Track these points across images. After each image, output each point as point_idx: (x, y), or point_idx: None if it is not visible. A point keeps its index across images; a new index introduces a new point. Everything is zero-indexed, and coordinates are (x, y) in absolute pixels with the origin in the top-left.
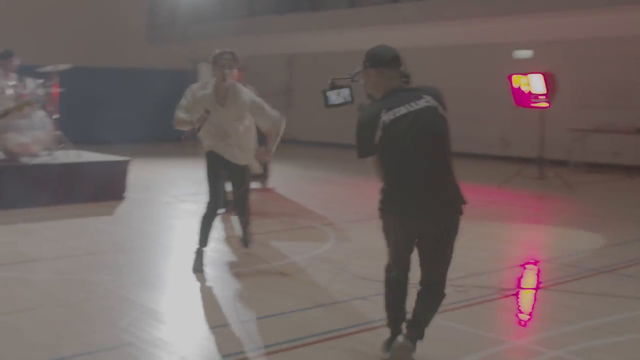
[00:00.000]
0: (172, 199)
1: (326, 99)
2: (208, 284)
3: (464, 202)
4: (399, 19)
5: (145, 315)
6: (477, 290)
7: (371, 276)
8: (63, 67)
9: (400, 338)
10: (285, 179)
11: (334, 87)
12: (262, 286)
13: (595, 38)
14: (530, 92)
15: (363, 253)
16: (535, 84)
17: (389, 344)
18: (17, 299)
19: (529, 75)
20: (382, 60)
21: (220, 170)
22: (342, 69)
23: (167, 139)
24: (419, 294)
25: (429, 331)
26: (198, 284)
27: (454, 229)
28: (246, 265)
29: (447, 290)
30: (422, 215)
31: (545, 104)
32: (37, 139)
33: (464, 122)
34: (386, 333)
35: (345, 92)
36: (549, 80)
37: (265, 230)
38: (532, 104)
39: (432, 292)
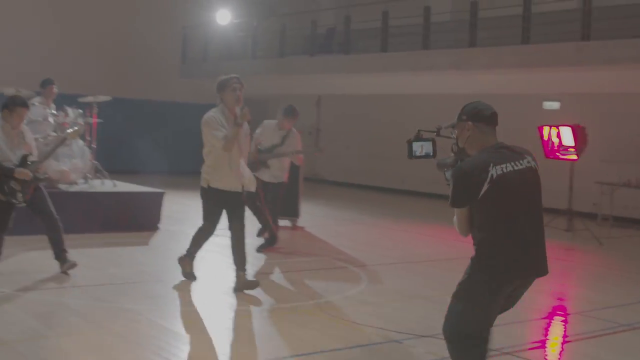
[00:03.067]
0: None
1: (411, 150)
2: (245, 318)
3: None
4: (429, 65)
5: (185, 345)
6: (508, 340)
7: (405, 320)
8: (103, 98)
9: None
10: (314, 218)
11: (418, 139)
12: (298, 323)
13: (622, 93)
14: (560, 144)
15: (396, 296)
16: (565, 136)
17: None
18: (63, 324)
19: (559, 127)
20: (482, 116)
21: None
22: (369, 113)
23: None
24: None
25: None
26: (235, 318)
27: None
28: (283, 301)
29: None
30: (528, 273)
31: (574, 156)
32: (76, 167)
33: None
34: None
35: (428, 145)
36: (578, 133)
37: (299, 269)
38: (562, 156)
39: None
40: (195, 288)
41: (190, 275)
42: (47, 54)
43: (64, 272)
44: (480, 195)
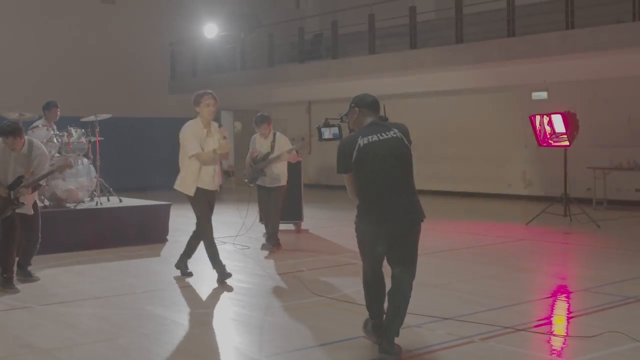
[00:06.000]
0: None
1: (320, 134)
2: (268, 314)
3: (423, 215)
4: (417, 64)
5: (215, 345)
6: (522, 318)
7: (421, 306)
8: (104, 116)
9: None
10: (316, 221)
11: (326, 125)
12: (319, 315)
13: (609, 78)
14: (552, 132)
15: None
16: (556, 123)
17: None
18: (94, 331)
19: (550, 115)
20: (364, 102)
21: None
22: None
23: None
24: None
25: (491, 357)
26: (259, 315)
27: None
28: (301, 298)
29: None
30: (389, 221)
31: (566, 143)
32: (82, 185)
33: (485, 163)
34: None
35: (335, 130)
36: (569, 119)
37: (309, 267)
38: (554, 143)
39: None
40: (215, 292)
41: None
42: (40, 78)
43: (21, 281)
44: (353, 160)
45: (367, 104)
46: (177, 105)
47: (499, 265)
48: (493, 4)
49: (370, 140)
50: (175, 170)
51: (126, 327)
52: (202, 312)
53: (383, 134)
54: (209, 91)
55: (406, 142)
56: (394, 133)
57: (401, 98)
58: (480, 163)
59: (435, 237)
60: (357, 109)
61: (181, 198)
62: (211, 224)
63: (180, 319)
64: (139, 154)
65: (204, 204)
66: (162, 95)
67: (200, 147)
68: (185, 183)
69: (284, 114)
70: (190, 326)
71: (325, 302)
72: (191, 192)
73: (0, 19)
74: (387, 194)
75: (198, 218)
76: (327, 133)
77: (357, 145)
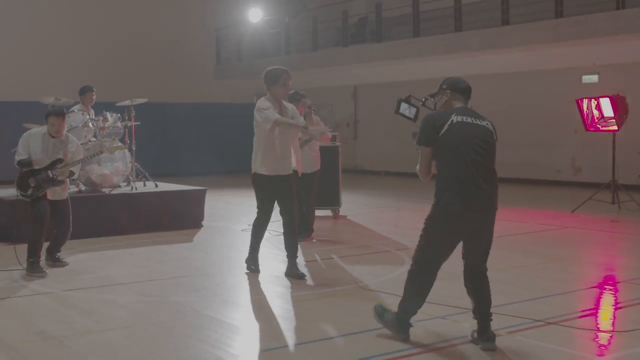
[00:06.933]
0: (247, 227)
1: (399, 106)
2: (287, 303)
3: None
4: (463, 47)
5: (232, 333)
6: (555, 310)
7: (449, 299)
8: (139, 101)
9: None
10: (355, 207)
11: (407, 101)
12: (341, 305)
13: None
14: (600, 116)
15: (440, 275)
16: (604, 107)
17: None
18: (110, 318)
19: (598, 99)
20: (458, 87)
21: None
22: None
23: (236, 171)
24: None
25: (516, 351)
26: (278, 303)
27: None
28: (327, 286)
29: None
30: (478, 209)
31: (615, 127)
32: (117, 170)
33: (534, 148)
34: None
35: (414, 110)
36: (618, 103)
37: (340, 255)
38: (602, 128)
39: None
40: (241, 279)
41: (254, 269)
42: (83, 63)
43: (49, 266)
44: (441, 133)
45: (461, 89)
46: (222, 91)
47: (536, 254)
48: None
49: (464, 120)
50: (219, 154)
51: (142, 315)
52: (222, 300)
53: (478, 120)
54: (285, 69)
55: (495, 137)
56: (487, 124)
57: None
58: (528, 148)
59: None
60: (449, 91)
61: (219, 184)
62: (268, 216)
63: (200, 306)
64: (182, 138)
65: (262, 193)
66: (208, 80)
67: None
68: (253, 163)
69: (330, 99)
70: (207, 315)
71: (352, 292)
72: (254, 171)
73: (46, 5)
74: (476, 178)
75: (257, 207)
76: (405, 108)
77: (450, 120)
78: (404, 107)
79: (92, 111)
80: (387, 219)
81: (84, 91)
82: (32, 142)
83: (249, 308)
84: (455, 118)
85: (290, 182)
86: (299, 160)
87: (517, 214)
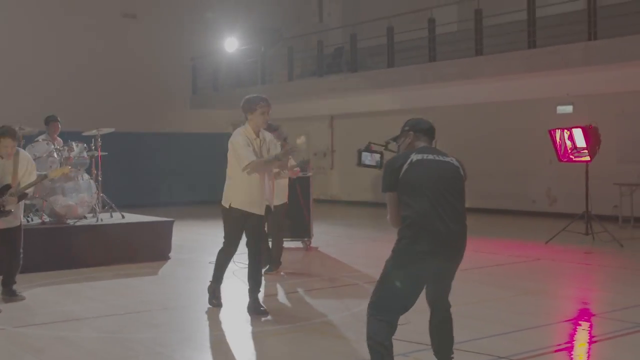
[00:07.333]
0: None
1: (360, 158)
2: (247, 340)
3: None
4: (437, 77)
5: None
6: (529, 345)
7: (412, 335)
8: (106, 130)
9: None
10: (329, 238)
11: (367, 149)
12: (302, 342)
13: (635, 91)
14: (573, 147)
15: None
16: (577, 138)
17: None
18: (59, 357)
19: (571, 129)
20: (421, 128)
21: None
22: (381, 130)
23: (208, 202)
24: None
25: None
26: (238, 340)
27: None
28: (287, 322)
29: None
30: (445, 248)
31: (587, 158)
32: (83, 201)
33: (509, 178)
34: None
35: (377, 157)
36: (590, 134)
37: (306, 289)
38: (575, 159)
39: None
40: (202, 314)
41: (215, 303)
42: (52, 92)
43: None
44: (400, 175)
45: (424, 130)
46: (197, 120)
47: (508, 287)
48: (513, 15)
49: (425, 157)
50: (192, 185)
51: (93, 354)
52: (181, 337)
53: (440, 156)
54: (264, 96)
55: (462, 173)
56: (452, 160)
57: (421, 112)
58: (504, 179)
59: None
60: (412, 132)
61: (190, 215)
62: (235, 249)
63: (155, 344)
64: (154, 169)
65: (233, 227)
66: (183, 110)
67: (254, 155)
68: (225, 194)
69: (307, 129)
70: (161, 352)
71: (313, 327)
72: (226, 204)
73: (17, 31)
74: (442, 216)
75: (224, 239)
76: (368, 159)
77: (410, 160)
78: (365, 156)
79: (59, 140)
80: (360, 251)
81: (49, 121)
82: None
83: (206, 346)
84: (414, 157)
85: (262, 221)
86: (273, 190)
87: (491, 245)
